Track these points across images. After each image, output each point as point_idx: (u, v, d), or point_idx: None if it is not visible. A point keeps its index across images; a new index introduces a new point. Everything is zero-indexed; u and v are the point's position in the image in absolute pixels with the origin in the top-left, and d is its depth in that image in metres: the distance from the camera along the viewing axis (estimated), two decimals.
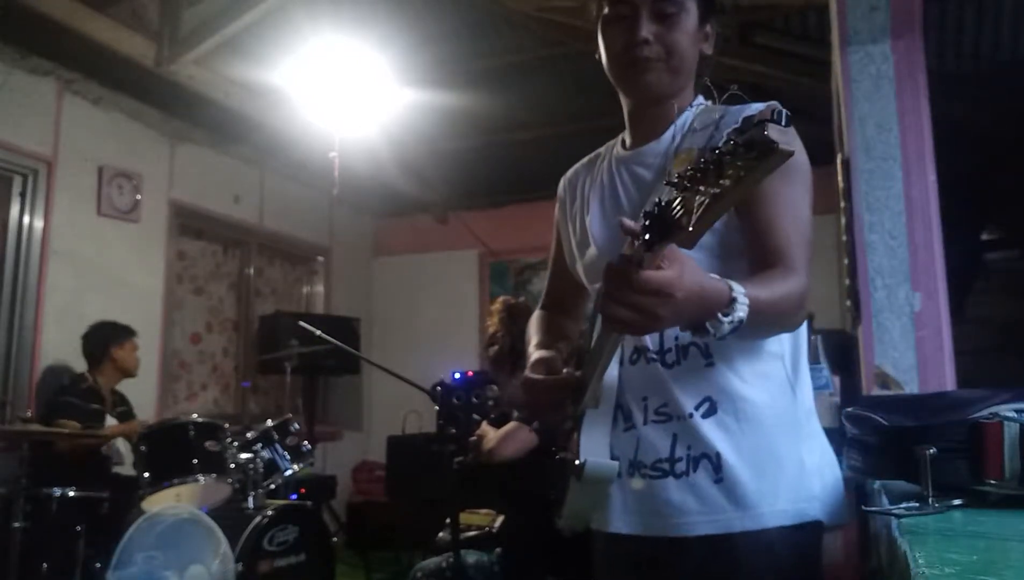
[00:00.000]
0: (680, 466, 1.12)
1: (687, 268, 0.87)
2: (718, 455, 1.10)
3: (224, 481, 3.53)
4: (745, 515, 1.09)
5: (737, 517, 1.09)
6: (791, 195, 1.12)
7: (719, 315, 0.91)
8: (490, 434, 2.93)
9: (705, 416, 1.12)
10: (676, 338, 1.16)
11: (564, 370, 1.19)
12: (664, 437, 1.14)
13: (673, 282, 0.84)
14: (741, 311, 0.92)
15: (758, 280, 1.03)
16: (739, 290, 0.93)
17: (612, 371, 1.17)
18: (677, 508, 1.12)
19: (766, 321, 1.03)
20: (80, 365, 4.14)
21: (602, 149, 1.39)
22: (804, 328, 1.20)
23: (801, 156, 1.12)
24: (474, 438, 2.92)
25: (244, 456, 3.63)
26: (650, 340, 1.17)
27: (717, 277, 0.93)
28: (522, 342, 1.46)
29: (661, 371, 1.15)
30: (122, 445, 4.12)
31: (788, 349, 1.18)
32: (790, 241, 1.09)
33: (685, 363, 1.15)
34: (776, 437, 1.12)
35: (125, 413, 4.17)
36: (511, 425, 2.91)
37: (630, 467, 1.17)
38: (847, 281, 2.64)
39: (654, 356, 1.17)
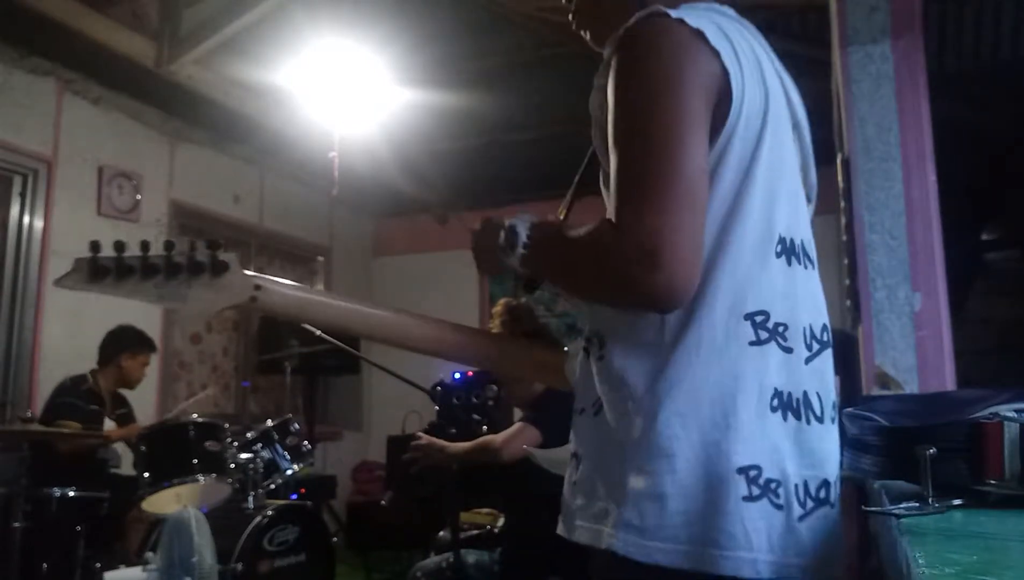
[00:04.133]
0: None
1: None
2: (579, 456, 1.03)
3: (224, 481, 3.53)
4: (567, 524, 1.02)
5: (566, 527, 1.03)
6: (619, 125, 0.96)
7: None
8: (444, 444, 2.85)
9: (596, 414, 1.01)
10: (588, 327, 1.08)
11: None
12: (572, 430, 1.08)
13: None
14: (512, 220, 1.04)
15: (573, 234, 1.02)
16: (516, 221, 1.05)
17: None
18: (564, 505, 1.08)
19: (560, 268, 1.04)
20: (80, 366, 4.13)
21: None
22: (706, 323, 0.92)
23: (640, 58, 0.95)
24: (418, 442, 2.82)
25: (244, 456, 3.63)
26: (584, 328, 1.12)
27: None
28: None
29: (583, 359, 1.09)
30: (119, 446, 4.12)
31: (665, 352, 0.94)
32: (617, 194, 0.92)
33: (592, 355, 1.05)
34: (609, 447, 0.97)
35: (125, 415, 4.16)
36: (518, 426, 2.91)
37: None
38: (847, 281, 2.64)
39: (584, 344, 1.09)
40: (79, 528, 3.37)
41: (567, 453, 1.09)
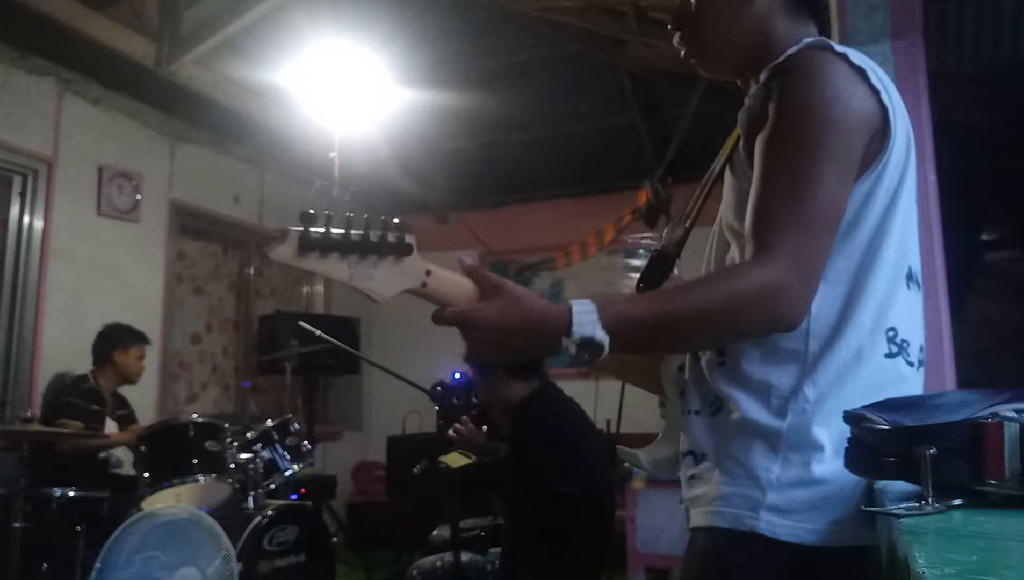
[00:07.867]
0: (680, 460, 1.16)
1: (503, 302, 0.98)
2: (695, 453, 1.11)
3: (224, 481, 3.53)
4: (696, 512, 1.10)
5: (694, 512, 1.11)
6: (778, 150, 1.01)
7: (563, 339, 0.95)
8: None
9: (713, 414, 1.10)
10: None
11: None
12: (685, 430, 1.16)
13: (467, 317, 0.98)
14: (585, 330, 0.94)
15: (668, 290, 1.07)
16: (582, 311, 0.95)
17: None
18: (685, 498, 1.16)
19: (667, 334, 1.00)
20: (80, 365, 4.13)
21: None
22: (856, 329, 1.02)
23: (808, 91, 1.00)
24: (465, 426, 2.95)
25: (244, 456, 3.63)
26: None
27: (568, 303, 0.97)
28: None
29: (692, 364, 1.16)
30: (120, 451, 4.11)
31: (812, 359, 1.03)
32: (763, 215, 0.99)
33: (704, 358, 1.12)
34: (740, 441, 1.05)
35: (125, 416, 4.16)
36: None
37: None
38: None
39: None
40: (79, 528, 3.37)
41: (660, 454, 1.19)
